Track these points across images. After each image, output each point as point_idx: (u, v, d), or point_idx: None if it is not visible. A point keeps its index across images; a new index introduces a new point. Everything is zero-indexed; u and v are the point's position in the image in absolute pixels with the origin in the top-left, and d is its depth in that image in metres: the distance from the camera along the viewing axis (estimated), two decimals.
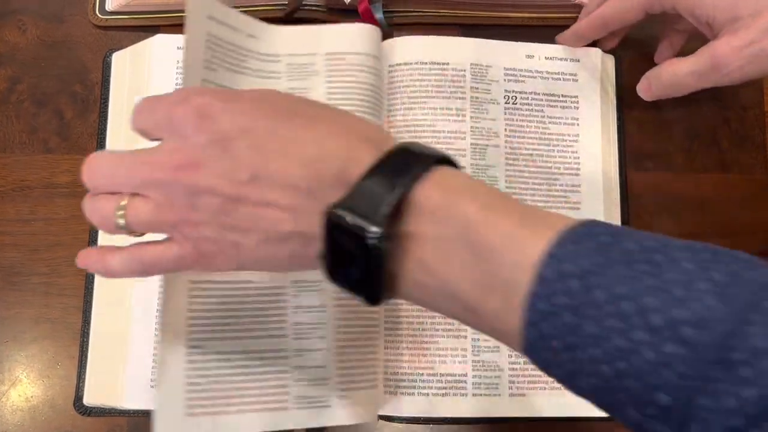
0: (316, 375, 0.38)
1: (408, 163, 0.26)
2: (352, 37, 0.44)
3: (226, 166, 0.27)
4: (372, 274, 0.26)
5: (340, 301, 0.40)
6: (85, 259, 0.31)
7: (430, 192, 0.26)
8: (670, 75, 0.42)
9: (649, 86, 0.44)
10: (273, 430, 0.37)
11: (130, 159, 0.29)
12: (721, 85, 0.41)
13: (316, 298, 0.39)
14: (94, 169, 0.29)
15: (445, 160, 0.28)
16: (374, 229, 0.25)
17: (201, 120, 0.28)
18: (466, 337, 0.42)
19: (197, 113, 0.28)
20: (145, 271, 0.30)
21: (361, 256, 0.25)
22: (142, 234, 0.30)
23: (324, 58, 0.43)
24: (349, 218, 0.25)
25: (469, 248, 0.25)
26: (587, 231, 0.24)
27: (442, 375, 0.41)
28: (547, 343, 0.23)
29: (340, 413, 0.38)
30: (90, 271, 0.33)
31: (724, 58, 0.39)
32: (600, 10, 0.44)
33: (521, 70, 0.46)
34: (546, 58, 0.47)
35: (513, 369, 0.42)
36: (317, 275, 0.36)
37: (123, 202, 0.29)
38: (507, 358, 0.42)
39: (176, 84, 0.45)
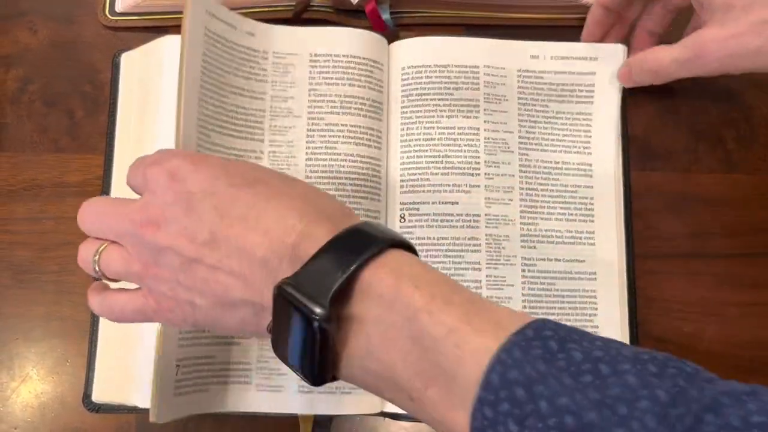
0: (275, 366, 0.42)
1: (362, 244, 0.26)
2: (337, 41, 0.45)
3: (187, 225, 0.28)
4: (315, 355, 0.26)
5: None
6: (89, 290, 0.34)
7: (380, 275, 0.26)
8: (654, 61, 0.43)
9: (629, 73, 0.45)
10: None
11: (113, 209, 0.31)
12: (700, 75, 0.42)
13: None
14: (85, 214, 0.32)
15: (402, 244, 0.27)
16: (318, 310, 0.25)
17: (171, 180, 0.29)
18: None
19: (168, 174, 0.29)
20: (114, 318, 0.32)
21: (305, 336, 0.25)
22: (118, 281, 0.32)
23: (308, 60, 0.45)
24: (297, 297, 0.25)
25: (412, 337, 0.25)
26: (535, 335, 0.24)
27: None
28: None
29: (297, 400, 0.42)
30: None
31: (707, 48, 0.40)
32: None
33: (535, 72, 0.46)
34: (560, 58, 0.47)
35: None
36: None
37: (101, 248, 0.31)
38: None
39: None
